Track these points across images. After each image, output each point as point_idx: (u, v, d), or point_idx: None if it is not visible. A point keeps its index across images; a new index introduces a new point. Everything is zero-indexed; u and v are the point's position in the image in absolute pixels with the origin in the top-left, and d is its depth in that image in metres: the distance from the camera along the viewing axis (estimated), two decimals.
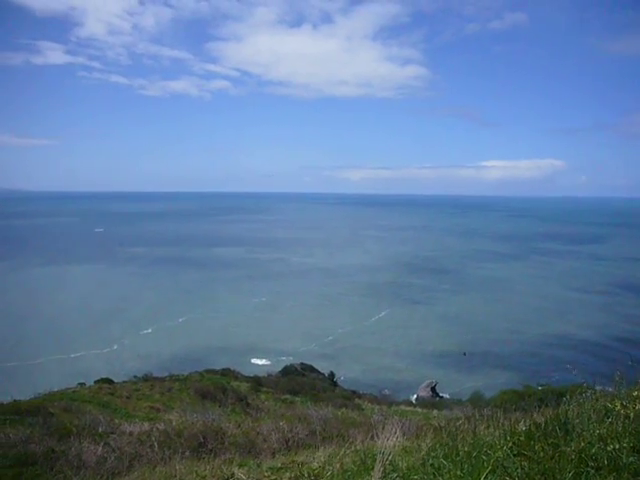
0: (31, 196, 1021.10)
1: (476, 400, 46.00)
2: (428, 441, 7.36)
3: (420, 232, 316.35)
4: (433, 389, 69.55)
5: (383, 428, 8.73)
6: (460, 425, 7.85)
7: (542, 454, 4.67)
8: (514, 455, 4.85)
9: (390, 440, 7.93)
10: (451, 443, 5.84)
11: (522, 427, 5.79)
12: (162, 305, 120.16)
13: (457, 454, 5.25)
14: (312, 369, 64.39)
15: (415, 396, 66.24)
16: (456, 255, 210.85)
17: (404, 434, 8.52)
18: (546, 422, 5.61)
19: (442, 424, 11.43)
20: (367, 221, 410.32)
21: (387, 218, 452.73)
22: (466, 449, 5.31)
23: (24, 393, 30.87)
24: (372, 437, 8.89)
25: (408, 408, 39.76)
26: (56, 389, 31.42)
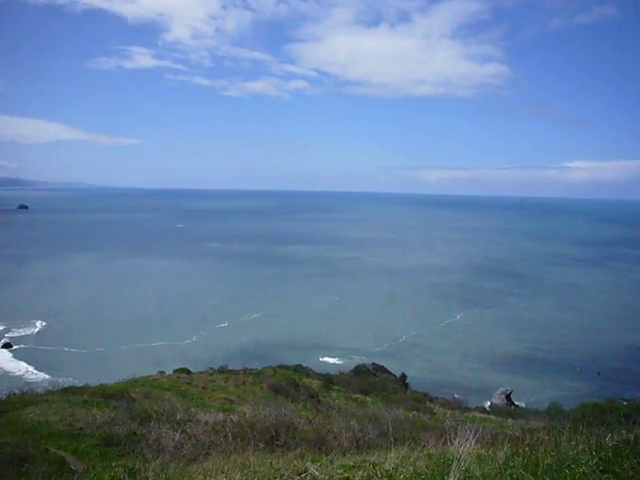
0: (119, 192, 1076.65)
1: (554, 411, 44.06)
2: (505, 451, 7.13)
3: (495, 234, 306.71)
4: (508, 397, 67.31)
5: (456, 434, 8.54)
6: (540, 436, 7.54)
7: (632, 473, 4.41)
8: (600, 471, 4.60)
9: (464, 446, 7.74)
10: (531, 454, 5.62)
11: (609, 443, 5.48)
12: (238, 300, 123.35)
13: (537, 466, 5.05)
14: (383, 370, 63.93)
15: (489, 403, 64.39)
16: (531, 259, 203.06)
17: (478, 441, 8.28)
18: (636, 439, 5.28)
19: (519, 434, 11.05)
20: (441, 222, 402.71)
21: (461, 220, 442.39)
22: (547, 461, 5.09)
23: (109, 377, 32.60)
24: (445, 442, 8.73)
25: (481, 415, 38.67)
26: (138, 376, 32.94)
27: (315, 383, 40.17)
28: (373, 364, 65.76)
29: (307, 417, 21.30)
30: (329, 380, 43.61)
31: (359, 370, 60.73)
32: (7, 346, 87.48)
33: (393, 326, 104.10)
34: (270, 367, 44.25)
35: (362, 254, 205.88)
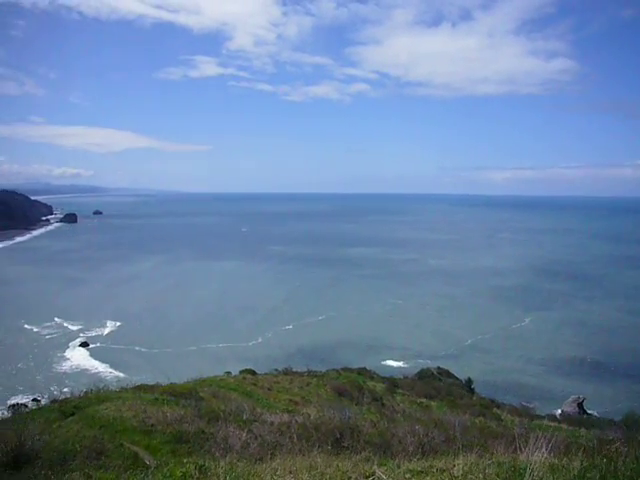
0: (187, 198, 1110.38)
1: (631, 422, 41.83)
2: (579, 461, 6.85)
3: (562, 236, 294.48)
4: (580, 405, 64.43)
5: (527, 442, 8.28)
6: (617, 447, 7.20)
7: None
8: None
9: (535, 455, 7.50)
10: (608, 466, 5.38)
11: None
12: (301, 302, 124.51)
13: (616, 479, 4.83)
14: (448, 374, 62.78)
15: (559, 411, 61.88)
16: (600, 261, 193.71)
17: (550, 451, 8.00)
18: None
19: (594, 444, 10.60)
20: (505, 223, 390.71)
21: (527, 220, 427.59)
22: (627, 474, 4.86)
23: (178, 377, 33.66)
24: (515, 450, 8.48)
25: (552, 423, 37.26)
26: (205, 376, 33.82)
27: (379, 386, 39.96)
28: (438, 368, 64.72)
29: (371, 420, 21.24)
30: (393, 383, 43.29)
31: (423, 374, 59.91)
32: (84, 345, 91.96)
33: (457, 329, 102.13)
34: (334, 369, 44.40)
35: (423, 256, 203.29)
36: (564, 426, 36.12)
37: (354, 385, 36.33)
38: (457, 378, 61.53)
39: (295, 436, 15.05)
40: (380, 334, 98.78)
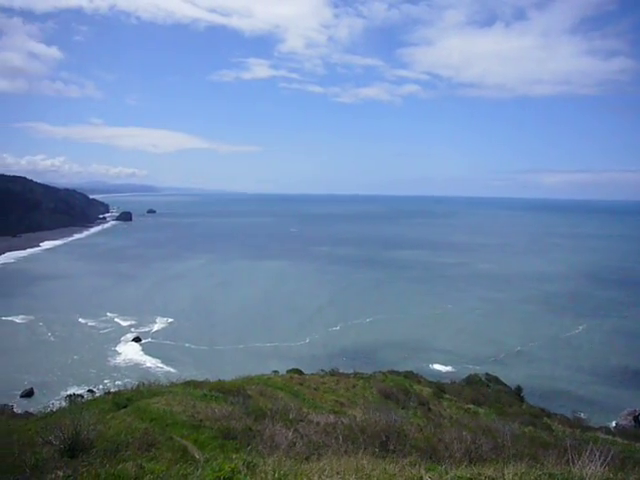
0: (239, 198, 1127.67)
1: None
2: (635, 477, 6.62)
3: (616, 241, 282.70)
4: (636, 418, 61.85)
5: (579, 454, 8.06)
6: None
7: None
8: None
9: (589, 468, 7.30)
10: None
11: None
12: (349, 303, 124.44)
13: None
14: (497, 380, 61.49)
15: (614, 423, 59.60)
16: None
17: (605, 464, 7.76)
18: None
19: None
20: (557, 228, 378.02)
21: (580, 225, 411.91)
22: None
23: (226, 374, 34.25)
24: (567, 462, 8.26)
25: (605, 436, 35.94)
26: (253, 374, 34.27)
27: (426, 390, 39.53)
28: (486, 374, 63.52)
29: (418, 425, 21.05)
30: (440, 388, 42.73)
31: (471, 380, 58.90)
32: (137, 340, 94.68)
33: (506, 335, 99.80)
34: (380, 372, 44.22)
35: (471, 260, 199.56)
36: (619, 440, 34.80)
37: (400, 388, 36.06)
38: (506, 385, 60.20)
39: (341, 437, 15.07)
40: (427, 338, 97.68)
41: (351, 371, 42.37)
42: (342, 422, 18.32)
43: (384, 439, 14.84)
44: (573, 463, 7.60)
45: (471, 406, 38.31)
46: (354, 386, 35.18)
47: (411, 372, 49.67)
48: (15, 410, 42.63)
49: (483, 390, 50.88)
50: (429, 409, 32.97)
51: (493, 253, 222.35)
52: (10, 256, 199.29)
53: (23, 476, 9.06)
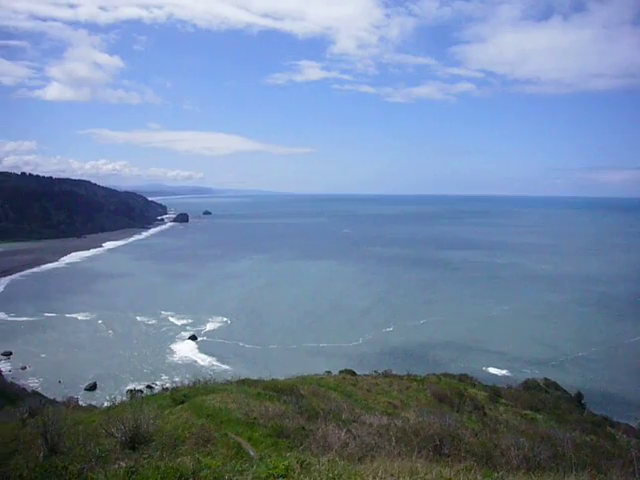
0: (293, 199, 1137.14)
1: None
2: None
3: None
4: None
5: None
6: None
7: None
8: None
9: None
10: None
11: None
12: (402, 304, 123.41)
13: None
14: (556, 386, 59.46)
15: None
16: None
17: None
18: None
19: None
20: (619, 228, 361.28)
21: None
22: None
23: (280, 373, 34.60)
24: (633, 473, 7.94)
25: None
26: (306, 374, 34.47)
27: (481, 394, 38.72)
28: (544, 379, 61.53)
29: (473, 429, 20.66)
30: (496, 392, 41.75)
31: (529, 385, 57.21)
32: (193, 338, 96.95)
33: (564, 339, 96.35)
34: (434, 374, 43.61)
35: (525, 260, 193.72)
36: None
37: (455, 391, 35.46)
38: (565, 391, 58.15)
39: (394, 439, 14.95)
40: (482, 340, 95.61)
41: (404, 373, 41.99)
42: (395, 424, 18.19)
43: (438, 443, 14.64)
44: (639, 475, 7.30)
45: (528, 412, 37.26)
46: (407, 388, 34.85)
47: (466, 375, 48.75)
48: (80, 402, 44.43)
49: (541, 396, 49.29)
50: (484, 414, 32.28)
51: (549, 254, 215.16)
52: (75, 256, 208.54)
53: (89, 465, 9.47)
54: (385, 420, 19.89)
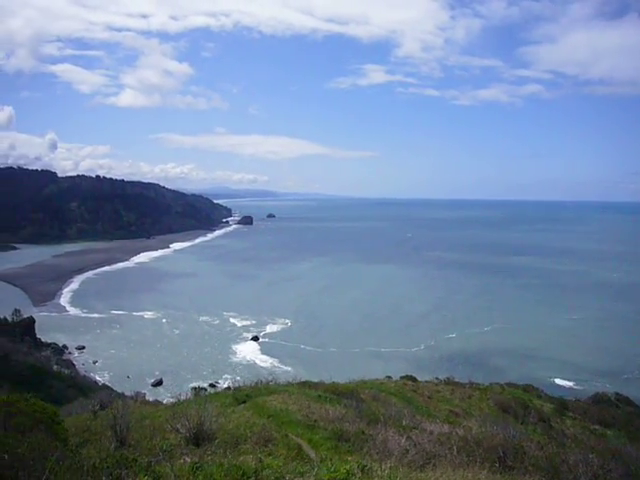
0: (355, 203, 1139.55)
1: None
2: None
3: None
4: None
5: None
6: None
7: None
8: None
9: None
10: None
11: None
12: (463, 311, 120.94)
13: None
14: (628, 401, 56.52)
15: None
16: None
17: None
18: None
19: None
20: None
21: None
22: None
23: (340, 377, 34.68)
24: None
25: None
26: (366, 378, 34.39)
27: (547, 406, 37.41)
28: (616, 394, 58.68)
29: (538, 442, 19.99)
30: (563, 405, 40.20)
31: (598, 398, 54.69)
32: (255, 339, 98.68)
33: (638, 353, 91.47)
34: (497, 384, 42.48)
35: (594, 268, 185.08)
36: None
37: (519, 402, 34.41)
38: (639, 407, 55.33)
39: (456, 448, 14.69)
40: (547, 349, 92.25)
41: (466, 381, 41.13)
42: (457, 433, 17.86)
43: (501, 454, 14.26)
44: None
45: (597, 427, 35.66)
46: (470, 397, 34.12)
47: (531, 385, 47.19)
48: (147, 397, 46.08)
49: (612, 411, 47.02)
50: (550, 426, 31.14)
51: (620, 261, 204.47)
52: (145, 256, 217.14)
53: (157, 458, 9.82)
54: (446, 428, 19.57)
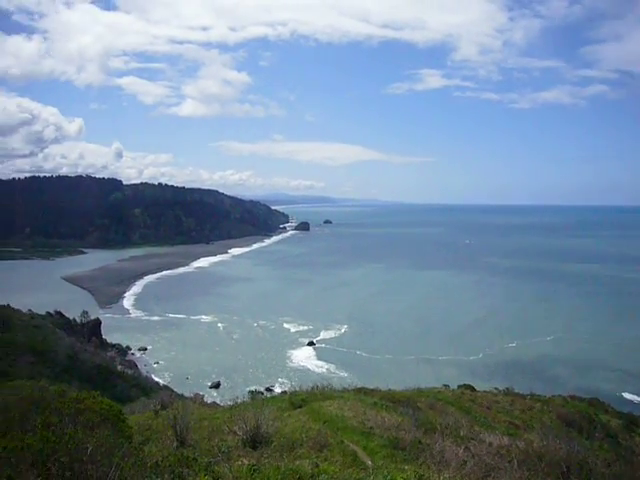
0: (413, 208, 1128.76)
1: None
2: None
3: None
4: None
5: None
6: None
7: None
8: None
9: None
10: None
11: None
12: (522, 319, 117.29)
13: None
14: None
15: None
16: None
17: None
18: None
19: None
20: None
21: None
22: None
23: (396, 384, 34.36)
24: None
25: None
26: (423, 386, 33.90)
27: (614, 422, 35.73)
28: None
29: (605, 459, 19.13)
30: (632, 421, 38.28)
31: None
32: (311, 344, 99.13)
33: None
34: (560, 396, 40.93)
35: None
36: None
37: (584, 416, 33.03)
38: None
39: (516, 462, 14.25)
40: (614, 361, 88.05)
41: (527, 392, 39.85)
42: (517, 446, 17.32)
43: (565, 469, 13.73)
44: None
45: None
46: (530, 408, 33.01)
47: (596, 399, 45.17)
48: (205, 399, 47.09)
49: None
50: (618, 443, 29.73)
51: None
52: (204, 261, 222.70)
53: (216, 459, 10.03)
54: (506, 440, 18.98)
